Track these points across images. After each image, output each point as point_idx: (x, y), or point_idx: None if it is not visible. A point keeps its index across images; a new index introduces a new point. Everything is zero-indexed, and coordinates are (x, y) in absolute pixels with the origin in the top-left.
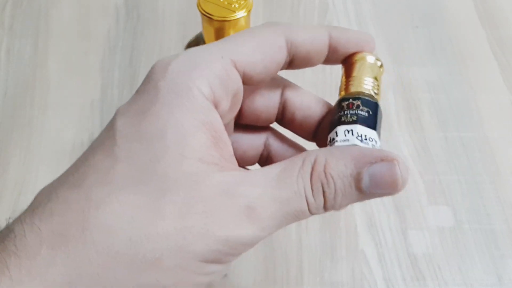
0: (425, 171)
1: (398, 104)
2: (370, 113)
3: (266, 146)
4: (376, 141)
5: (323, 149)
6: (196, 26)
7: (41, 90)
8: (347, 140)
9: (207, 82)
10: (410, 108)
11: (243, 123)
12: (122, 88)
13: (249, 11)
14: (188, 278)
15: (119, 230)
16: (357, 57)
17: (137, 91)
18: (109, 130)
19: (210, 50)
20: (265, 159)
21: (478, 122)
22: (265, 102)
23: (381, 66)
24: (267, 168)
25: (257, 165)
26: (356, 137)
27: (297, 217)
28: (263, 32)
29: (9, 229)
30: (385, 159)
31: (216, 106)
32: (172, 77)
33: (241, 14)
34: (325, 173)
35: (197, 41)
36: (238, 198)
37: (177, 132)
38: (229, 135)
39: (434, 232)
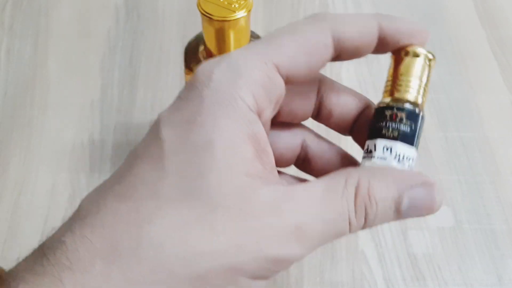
0: (425, 171)
1: None
2: (413, 127)
3: (303, 148)
4: (413, 159)
5: (365, 170)
6: (196, 26)
7: (41, 90)
8: (385, 158)
9: (251, 92)
10: None
11: (280, 120)
12: (122, 88)
13: (249, 11)
14: None
15: (172, 246)
16: (407, 51)
17: (180, 97)
18: (155, 139)
19: (253, 54)
20: (302, 161)
21: (478, 122)
22: (303, 100)
23: (433, 59)
24: (309, 185)
25: (292, 166)
26: (394, 157)
27: (338, 236)
28: (308, 29)
29: (59, 240)
30: (425, 183)
31: (260, 115)
32: (216, 86)
33: (241, 14)
34: (369, 196)
35: (197, 41)
36: (287, 217)
37: (224, 144)
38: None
39: (434, 232)
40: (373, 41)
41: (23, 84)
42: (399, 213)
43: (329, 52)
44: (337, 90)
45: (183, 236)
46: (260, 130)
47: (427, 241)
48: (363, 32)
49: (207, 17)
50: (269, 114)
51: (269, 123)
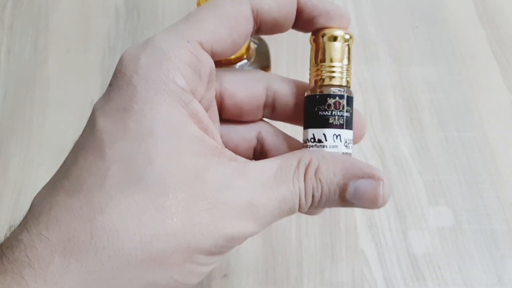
0: (425, 171)
1: (398, 104)
2: (351, 112)
3: (260, 140)
4: (352, 141)
5: (318, 151)
6: None
7: (41, 89)
8: (336, 146)
9: (180, 73)
10: (410, 108)
11: (227, 118)
12: None
13: None
14: (195, 269)
15: (128, 232)
16: (327, 34)
17: (111, 85)
18: (93, 131)
19: (176, 35)
20: (259, 154)
21: (478, 122)
22: (248, 92)
23: (350, 38)
24: (262, 163)
25: None
26: (344, 144)
27: (287, 214)
28: (227, 3)
29: (17, 238)
30: (372, 176)
31: (194, 94)
32: (145, 72)
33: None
34: (315, 177)
35: None
36: (239, 194)
37: (166, 129)
38: (214, 123)
39: (434, 232)
40: (291, 14)
41: (23, 83)
42: (343, 200)
43: (250, 24)
44: (290, 84)
45: (136, 221)
46: (199, 108)
47: (427, 241)
48: (282, 4)
49: None
50: (203, 91)
51: (208, 101)
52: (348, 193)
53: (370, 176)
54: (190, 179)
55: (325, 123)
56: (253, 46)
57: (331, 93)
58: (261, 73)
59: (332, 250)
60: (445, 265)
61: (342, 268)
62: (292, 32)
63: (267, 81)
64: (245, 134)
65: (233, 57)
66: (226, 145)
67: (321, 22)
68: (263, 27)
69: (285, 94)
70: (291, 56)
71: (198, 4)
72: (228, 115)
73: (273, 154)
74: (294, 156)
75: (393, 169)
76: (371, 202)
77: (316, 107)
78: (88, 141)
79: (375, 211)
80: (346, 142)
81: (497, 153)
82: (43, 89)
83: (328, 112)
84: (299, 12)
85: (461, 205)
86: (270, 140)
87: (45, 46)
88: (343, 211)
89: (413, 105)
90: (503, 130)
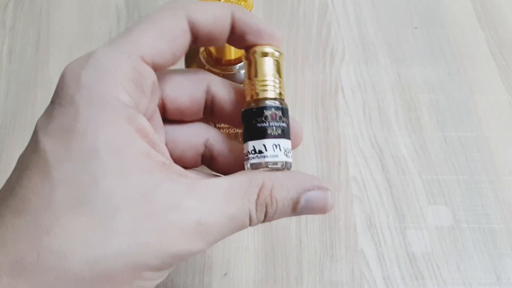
0: (424, 171)
1: (397, 104)
2: (287, 122)
3: (208, 147)
4: (290, 150)
5: (269, 174)
6: None
7: (42, 90)
8: (276, 155)
9: (123, 88)
10: (409, 108)
11: (168, 118)
12: None
13: None
14: (144, 285)
15: (74, 253)
16: (257, 51)
17: (52, 103)
18: (37, 150)
19: (116, 50)
20: (209, 160)
21: (476, 122)
22: (188, 97)
23: (280, 55)
24: (212, 180)
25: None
26: (283, 153)
27: (237, 230)
28: (164, 17)
29: None
30: (321, 188)
31: (138, 108)
32: (86, 90)
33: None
34: (270, 197)
35: None
36: (188, 213)
37: (111, 148)
38: (159, 130)
39: (433, 231)
40: (225, 29)
41: (24, 84)
42: (295, 211)
43: (187, 36)
44: (227, 87)
45: (83, 242)
46: (144, 123)
47: (426, 240)
48: (216, 18)
49: None
50: (146, 104)
51: (152, 110)
52: (300, 205)
53: (319, 188)
54: (137, 199)
55: (263, 134)
56: None
57: (267, 105)
58: (202, 74)
59: (332, 249)
60: (444, 264)
61: (341, 267)
62: (292, 33)
63: (207, 83)
64: (191, 140)
65: (233, 58)
66: (173, 151)
67: (251, 39)
68: (199, 39)
69: (223, 98)
70: (291, 57)
71: None
72: (170, 117)
73: (222, 160)
74: (245, 176)
75: (392, 169)
76: (320, 210)
77: (254, 120)
78: (32, 161)
79: (375, 210)
80: (285, 151)
81: (495, 153)
82: (45, 90)
83: (265, 124)
84: (232, 28)
85: (460, 205)
86: (219, 147)
87: (46, 46)
88: (343, 210)
89: (412, 105)
90: (501, 130)
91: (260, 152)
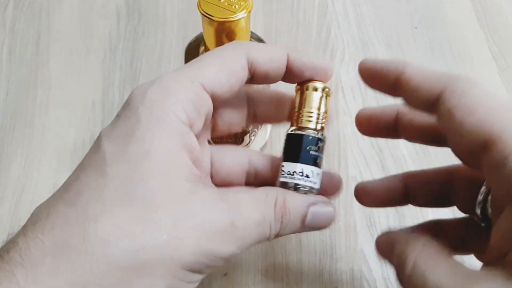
0: None
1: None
2: (323, 154)
3: (252, 165)
4: (313, 174)
5: (279, 189)
6: (196, 27)
7: (42, 90)
8: (316, 183)
9: (182, 107)
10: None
11: (217, 135)
12: (123, 89)
13: (249, 12)
14: (176, 284)
15: (117, 241)
16: (307, 86)
17: (118, 116)
18: (97, 152)
19: (181, 76)
20: (253, 177)
21: None
22: (234, 113)
23: (329, 91)
24: (237, 190)
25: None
26: (320, 182)
27: (261, 239)
28: (227, 53)
29: (13, 242)
30: (324, 202)
31: (191, 127)
32: (150, 104)
33: (241, 15)
34: (284, 207)
35: (198, 41)
36: (223, 215)
37: (162, 155)
38: (204, 148)
39: None
40: (281, 68)
41: (24, 84)
42: (303, 225)
43: (245, 73)
44: (267, 98)
45: (127, 232)
46: (193, 140)
47: None
48: (274, 59)
49: (207, 18)
50: (200, 127)
51: (201, 134)
52: (307, 219)
53: (323, 202)
54: (178, 200)
55: (314, 162)
56: None
57: (320, 137)
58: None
59: (332, 249)
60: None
61: (341, 267)
62: (291, 33)
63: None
64: (237, 157)
65: None
66: (221, 169)
67: (308, 75)
68: (256, 76)
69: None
70: None
71: (199, 6)
72: (217, 134)
73: (265, 178)
74: (262, 190)
75: (392, 169)
76: (325, 223)
77: (309, 146)
78: (92, 161)
79: (375, 210)
80: (320, 181)
81: None
82: (45, 90)
83: (317, 153)
84: (289, 68)
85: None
86: (262, 165)
87: (46, 46)
88: (342, 210)
89: None
90: None
91: (307, 176)
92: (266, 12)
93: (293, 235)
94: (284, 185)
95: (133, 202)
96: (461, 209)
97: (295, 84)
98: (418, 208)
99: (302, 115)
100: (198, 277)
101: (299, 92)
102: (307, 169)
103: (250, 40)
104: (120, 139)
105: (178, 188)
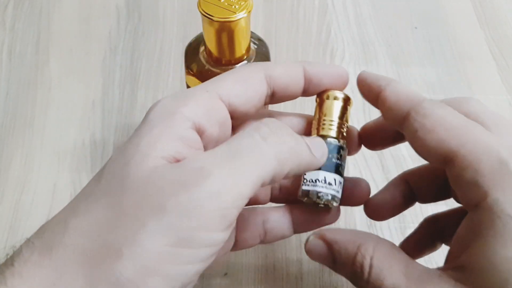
0: None
1: None
2: (340, 160)
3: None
4: (336, 182)
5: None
6: (196, 27)
7: (42, 90)
8: (338, 191)
9: (191, 109)
10: None
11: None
12: (123, 89)
13: (249, 12)
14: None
15: (93, 233)
16: (327, 95)
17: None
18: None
19: (198, 87)
20: (278, 193)
21: None
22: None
23: (349, 100)
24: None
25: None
26: (340, 190)
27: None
28: (244, 69)
29: (15, 248)
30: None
31: (202, 131)
32: (161, 107)
33: (241, 15)
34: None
35: (198, 41)
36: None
37: (150, 140)
38: None
39: None
40: (300, 80)
41: (24, 84)
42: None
43: (263, 85)
44: (284, 116)
45: (104, 224)
46: (194, 137)
47: None
48: (291, 71)
49: (207, 18)
50: (213, 134)
51: (216, 142)
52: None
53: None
54: (144, 181)
55: (337, 170)
56: (253, 46)
57: (342, 145)
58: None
59: None
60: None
61: None
62: (291, 33)
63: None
64: None
65: (233, 58)
66: None
67: (326, 83)
68: (276, 92)
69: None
70: (291, 57)
71: (199, 6)
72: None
73: (289, 189)
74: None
75: (392, 169)
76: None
77: (331, 154)
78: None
79: None
80: (342, 188)
81: None
82: (45, 90)
83: (339, 161)
84: (308, 80)
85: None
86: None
87: (46, 46)
88: (342, 210)
89: None
90: None
91: (330, 184)
92: (266, 12)
93: (293, 235)
94: (306, 193)
95: (114, 193)
96: (456, 199)
97: (315, 97)
98: (418, 208)
99: (324, 123)
100: (223, 234)
101: (319, 102)
102: (330, 176)
103: (250, 40)
104: (125, 143)
105: (148, 167)
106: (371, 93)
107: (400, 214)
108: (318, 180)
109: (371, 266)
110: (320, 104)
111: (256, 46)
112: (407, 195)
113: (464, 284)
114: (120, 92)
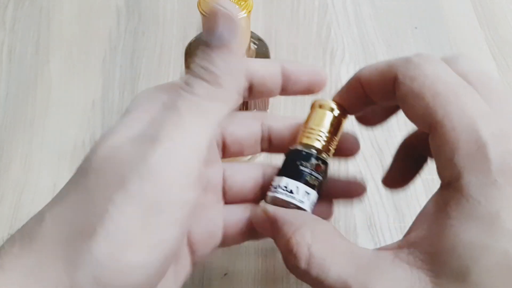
0: (424, 171)
1: None
2: (325, 178)
3: (267, 180)
4: (315, 205)
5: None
6: (196, 27)
7: (42, 90)
8: (303, 202)
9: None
10: None
11: (228, 156)
12: (123, 89)
13: (249, 12)
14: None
15: (67, 218)
16: (315, 103)
17: None
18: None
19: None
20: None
21: None
22: (246, 134)
23: (341, 114)
24: None
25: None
26: (310, 204)
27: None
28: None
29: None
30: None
31: None
32: (140, 96)
33: (241, 15)
34: None
35: (198, 42)
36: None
37: (121, 123)
38: (215, 162)
39: None
40: (277, 76)
41: (24, 84)
42: None
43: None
44: (282, 120)
45: (74, 211)
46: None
47: None
48: (268, 67)
49: (207, 17)
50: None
51: (213, 151)
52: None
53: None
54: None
55: (302, 178)
56: (253, 47)
57: (315, 155)
58: (256, 113)
59: None
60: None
61: None
62: (291, 33)
63: (261, 118)
64: (250, 172)
65: None
66: (233, 185)
67: (304, 80)
68: (254, 86)
69: (279, 128)
70: (290, 57)
71: (199, 5)
72: (230, 154)
73: None
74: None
75: None
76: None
77: (299, 161)
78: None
79: (375, 210)
80: (311, 203)
81: None
82: (45, 90)
83: (308, 170)
84: (285, 76)
85: None
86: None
87: (46, 46)
88: (342, 210)
89: None
90: None
91: (291, 192)
92: (266, 12)
93: None
94: (268, 199)
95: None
96: None
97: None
98: (418, 208)
99: (304, 131)
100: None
101: (311, 111)
102: (292, 184)
103: (250, 40)
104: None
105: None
106: (356, 94)
107: (401, 215)
108: (279, 186)
109: (310, 255)
110: (311, 113)
111: (256, 46)
112: (416, 159)
113: (420, 269)
114: (120, 92)
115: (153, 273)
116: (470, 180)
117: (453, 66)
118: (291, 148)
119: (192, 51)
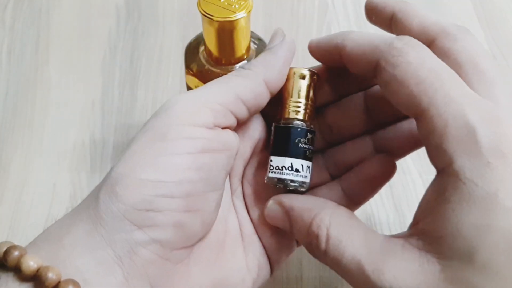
0: (424, 170)
1: None
2: (308, 144)
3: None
4: (303, 168)
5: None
6: (196, 27)
7: (42, 90)
8: (306, 177)
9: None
10: None
11: None
12: (122, 88)
13: (249, 12)
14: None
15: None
16: (294, 72)
17: None
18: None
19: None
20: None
21: None
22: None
23: (314, 77)
24: None
25: None
26: (310, 175)
27: None
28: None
29: None
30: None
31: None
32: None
33: (241, 14)
34: None
35: (198, 41)
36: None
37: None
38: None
39: None
40: (265, 94)
41: (24, 84)
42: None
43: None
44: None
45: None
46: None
47: None
48: (256, 90)
49: (207, 17)
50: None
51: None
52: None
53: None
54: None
55: (303, 155)
56: (253, 46)
57: (310, 128)
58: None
59: None
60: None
61: None
62: (291, 33)
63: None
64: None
65: (233, 57)
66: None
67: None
68: (251, 111)
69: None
70: None
71: (198, 5)
72: None
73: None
74: None
75: None
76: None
77: (298, 139)
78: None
79: (375, 210)
80: (311, 173)
81: None
82: (45, 89)
83: (306, 146)
84: (271, 90)
85: None
86: None
87: (46, 46)
88: None
89: None
90: None
91: (297, 170)
92: (266, 12)
93: None
94: (273, 180)
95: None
96: None
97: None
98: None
99: (289, 105)
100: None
101: (290, 81)
102: (297, 163)
103: (250, 40)
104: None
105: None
106: (331, 56)
107: (401, 215)
108: (285, 168)
109: (328, 237)
110: (285, 84)
111: (256, 46)
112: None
113: (429, 252)
114: (120, 92)
115: (168, 193)
116: (464, 164)
117: (448, 43)
118: (282, 124)
119: (192, 51)
